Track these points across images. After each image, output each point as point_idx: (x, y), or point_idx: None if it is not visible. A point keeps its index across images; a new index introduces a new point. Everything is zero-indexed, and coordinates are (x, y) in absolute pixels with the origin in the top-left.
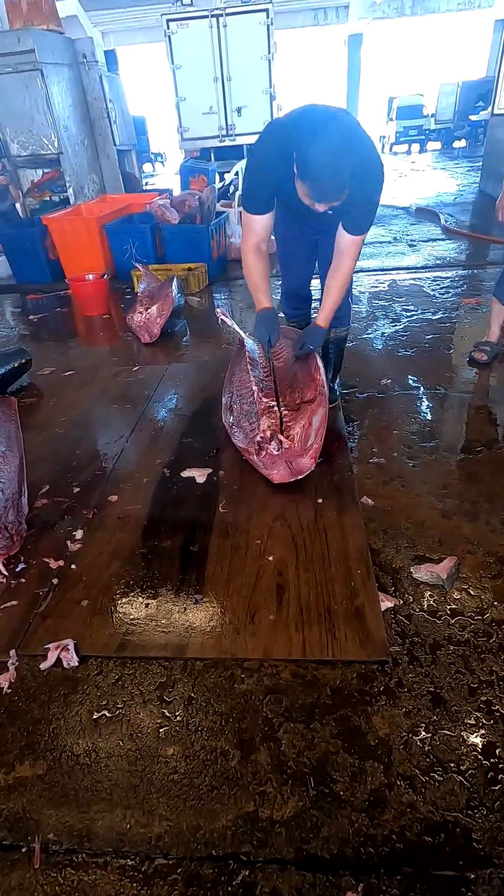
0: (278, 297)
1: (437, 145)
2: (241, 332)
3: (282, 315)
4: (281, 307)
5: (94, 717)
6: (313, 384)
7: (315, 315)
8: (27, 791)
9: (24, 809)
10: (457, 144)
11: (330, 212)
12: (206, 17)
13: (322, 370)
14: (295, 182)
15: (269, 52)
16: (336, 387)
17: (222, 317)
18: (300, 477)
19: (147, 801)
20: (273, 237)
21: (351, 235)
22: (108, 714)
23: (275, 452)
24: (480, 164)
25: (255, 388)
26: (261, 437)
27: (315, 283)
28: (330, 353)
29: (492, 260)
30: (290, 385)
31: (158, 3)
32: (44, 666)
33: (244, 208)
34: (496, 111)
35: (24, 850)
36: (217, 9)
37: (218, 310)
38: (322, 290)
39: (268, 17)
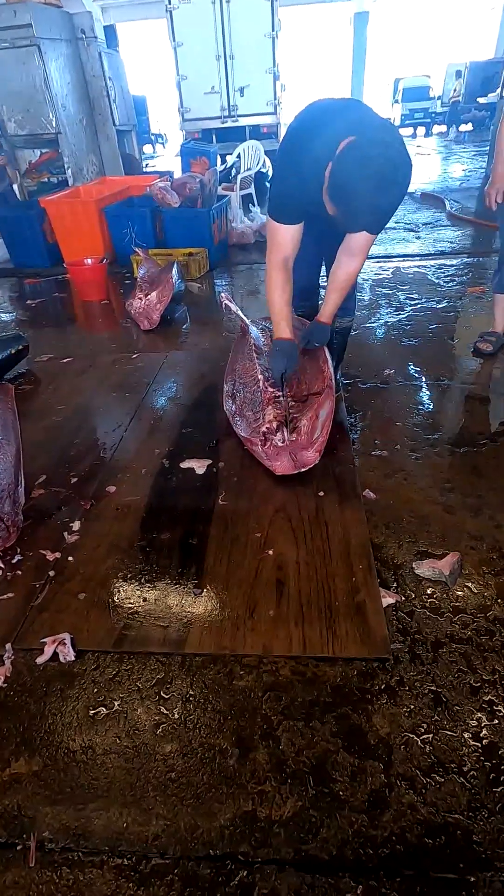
0: None
1: (444, 128)
2: (245, 319)
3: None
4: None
5: (91, 713)
6: (321, 376)
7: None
8: (22, 788)
9: (19, 807)
10: (463, 128)
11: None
12: None
13: (330, 363)
14: (323, 193)
15: (273, 30)
16: (338, 377)
17: (226, 301)
18: (303, 470)
19: (144, 800)
20: None
21: (367, 233)
22: (104, 710)
23: (280, 444)
24: (487, 148)
25: (260, 376)
26: (266, 427)
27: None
28: (333, 343)
29: (497, 248)
30: (297, 376)
31: None
32: (40, 660)
33: (271, 217)
34: None
35: (19, 848)
36: None
37: (221, 294)
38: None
39: None
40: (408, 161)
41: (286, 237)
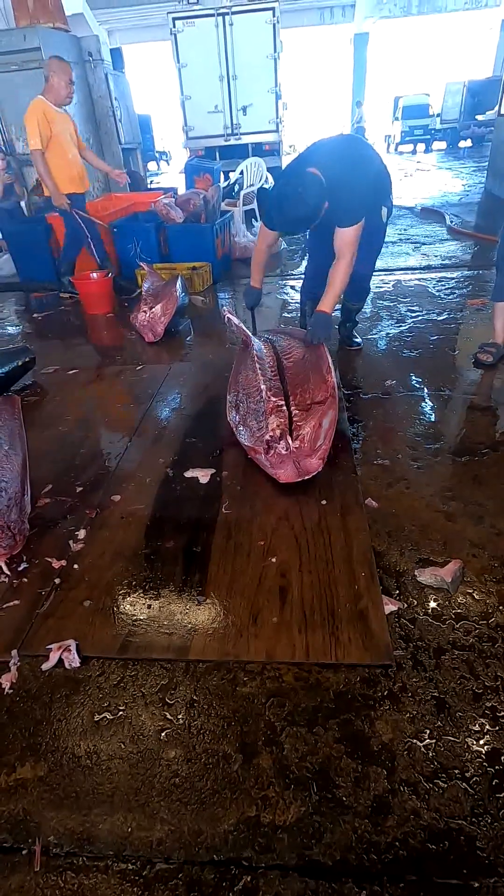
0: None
1: (443, 145)
2: (247, 331)
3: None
4: (302, 291)
5: (96, 718)
6: (324, 385)
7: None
8: (28, 793)
9: (24, 811)
10: (462, 144)
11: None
12: (212, 15)
13: (333, 372)
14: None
15: (275, 51)
16: (355, 333)
17: (228, 315)
18: (307, 477)
19: (148, 805)
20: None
21: (342, 228)
22: (109, 716)
23: (283, 452)
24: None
25: (262, 386)
26: (270, 436)
27: None
28: (349, 308)
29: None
30: (300, 385)
31: (164, 2)
32: (45, 666)
33: (263, 222)
34: (503, 111)
35: (24, 852)
36: (223, 7)
37: (224, 309)
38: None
39: (274, 16)
40: (311, 198)
41: (270, 236)
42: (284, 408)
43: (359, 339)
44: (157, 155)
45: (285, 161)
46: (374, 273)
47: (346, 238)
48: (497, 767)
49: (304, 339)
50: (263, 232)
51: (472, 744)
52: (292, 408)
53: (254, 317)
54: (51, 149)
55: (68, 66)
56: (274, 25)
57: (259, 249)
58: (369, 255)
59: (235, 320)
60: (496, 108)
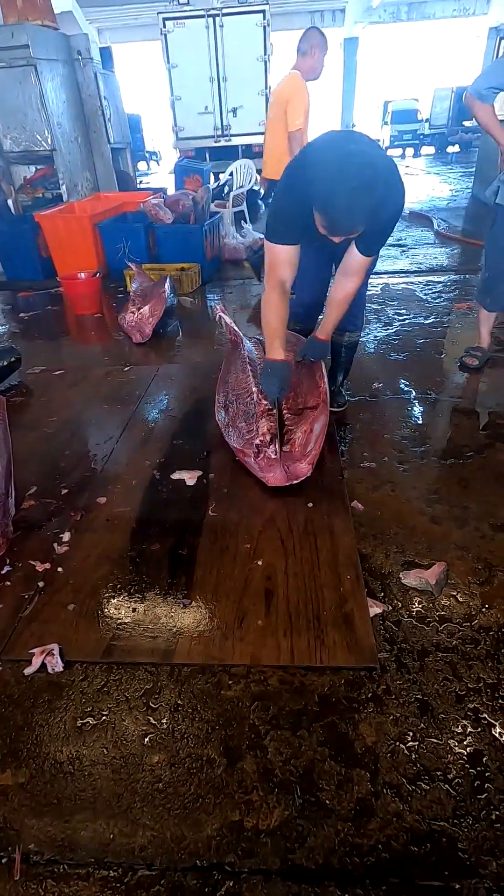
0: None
1: (431, 150)
2: (238, 331)
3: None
4: (291, 314)
5: (79, 724)
6: (317, 391)
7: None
8: (8, 800)
9: (4, 819)
10: (450, 150)
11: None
12: (202, 16)
13: (325, 379)
14: (313, 210)
15: (265, 54)
16: (344, 391)
17: (220, 313)
18: (295, 482)
19: (131, 811)
20: None
21: (362, 256)
22: (92, 721)
23: (273, 456)
24: (473, 169)
25: (254, 388)
26: (260, 440)
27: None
28: (341, 358)
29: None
30: (293, 389)
31: (155, 1)
32: (28, 671)
33: (268, 240)
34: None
35: (3, 860)
36: (214, 9)
37: (216, 307)
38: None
39: (264, 19)
40: (391, 172)
41: (284, 257)
42: (275, 411)
43: (344, 402)
44: (146, 155)
45: None
46: None
47: (361, 266)
48: (479, 769)
49: (297, 353)
50: (278, 257)
51: (455, 745)
52: (284, 412)
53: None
54: (305, 129)
55: (327, 40)
56: (264, 28)
57: (273, 292)
58: (365, 282)
59: (227, 319)
60: None
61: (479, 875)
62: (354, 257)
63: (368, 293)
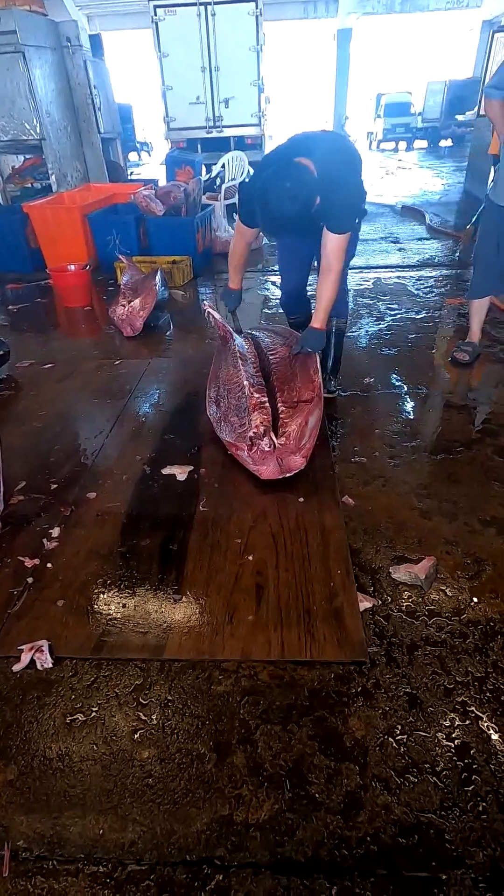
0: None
1: (424, 144)
2: (228, 327)
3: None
4: (281, 306)
5: (68, 720)
6: (311, 385)
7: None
8: None
9: None
10: (443, 143)
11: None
12: (194, 4)
13: (320, 372)
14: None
15: (257, 44)
16: (338, 378)
17: (209, 309)
18: (289, 475)
19: (121, 806)
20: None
21: (333, 234)
22: (82, 717)
23: (266, 448)
24: (466, 164)
25: (245, 382)
26: (253, 432)
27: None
28: (330, 345)
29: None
30: (287, 383)
31: None
32: (17, 668)
33: (239, 218)
34: (482, 112)
35: None
36: None
37: (205, 303)
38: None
39: (257, 8)
40: (340, 159)
41: (248, 232)
42: (268, 404)
43: (334, 389)
44: (137, 145)
45: None
46: (355, 270)
47: (336, 245)
48: (466, 761)
49: (291, 344)
50: (241, 230)
51: (443, 738)
52: (279, 404)
53: (236, 319)
54: None
55: None
56: (257, 17)
57: (236, 249)
58: (346, 265)
59: (216, 314)
60: (476, 108)
61: (466, 866)
62: (328, 237)
63: (360, 287)
